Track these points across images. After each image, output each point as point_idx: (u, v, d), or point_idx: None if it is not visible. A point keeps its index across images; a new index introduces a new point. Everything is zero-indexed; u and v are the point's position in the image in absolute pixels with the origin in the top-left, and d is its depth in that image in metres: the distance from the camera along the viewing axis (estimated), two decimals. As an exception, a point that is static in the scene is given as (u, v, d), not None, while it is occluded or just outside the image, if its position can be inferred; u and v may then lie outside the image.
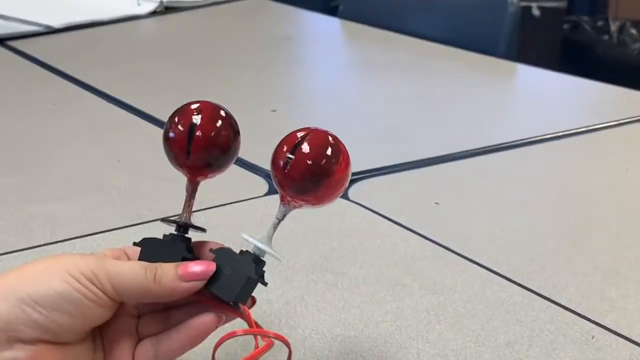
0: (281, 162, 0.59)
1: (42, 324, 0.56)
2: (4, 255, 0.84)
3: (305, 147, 0.58)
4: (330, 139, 0.60)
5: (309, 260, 0.85)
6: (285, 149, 0.59)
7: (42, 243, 0.87)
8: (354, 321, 0.75)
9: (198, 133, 0.60)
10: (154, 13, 1.93)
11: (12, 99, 1.36)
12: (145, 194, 1.00)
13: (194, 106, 0.61)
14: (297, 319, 0.75)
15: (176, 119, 0.61)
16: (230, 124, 0.62)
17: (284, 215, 0.61)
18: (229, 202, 0.97)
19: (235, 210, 0.96)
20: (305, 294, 0.79)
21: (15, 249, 0.86)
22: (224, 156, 0.62)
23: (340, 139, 0.60)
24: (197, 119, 0.61)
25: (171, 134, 0.61)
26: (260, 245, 0.60)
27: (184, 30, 1.88)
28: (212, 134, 0.61)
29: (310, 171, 0.58)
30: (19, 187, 1.01)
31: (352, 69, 1.70)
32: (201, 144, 0.60)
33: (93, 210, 0.95)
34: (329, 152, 0.59)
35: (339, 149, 0.59)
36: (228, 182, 1.00)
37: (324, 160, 0.59)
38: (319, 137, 0.59)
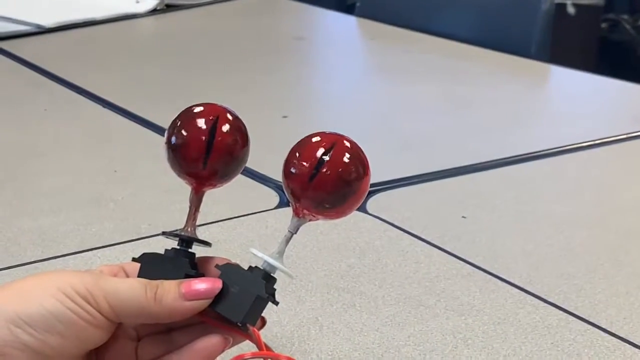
0: (301, 172, 0.58)
1: (32, 347, 0.56)
2: (-7, 273, 0.85)
3: (335, 159, 0.58)
4: (357, 149, 0.59)
5: (324, 279, 0.85)
6: (305, 158, 0.58)
7: (32, 260, 0.87)
8: (373, 345, 0.74)
9: (216, 139, 0.60)
10: (153, 11, 1.93)
11: (2, 104, 1.37)
12: (144, 207, 1.00)
13: (206, 110, 0.61)
14: (310, 342, 0.75)
15: (189, 125, 0.61)
16: (242, 131, 0.62)
17: (297, 229, 0.61)
18: (237, 215, 0.97)
19: (244, 224, 0.96)
20: (319, 315, 0.79)
21: (4, 267, 0.86)
22: (236, 164, 0.62)
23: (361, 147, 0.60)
24: (215, 125, 0.60)
25: (182, 141, 0.61)
26: (270, 261, 0.60)
27: (186, 29, 1.88)
28: (229, 140, 0.61)
29: (339, 186, 0.58)
30: (7, 200, 1.02)
31: (370, 71, 1.70)
32: (219, 151, 0.60)
33: (88, 224, 0.95)
34: (357, 164, 0.59)
35: (364, 161, 0.59)
36: (236, 193, 1.01)
37: (354, 174, 0.58)
38: (347, 148, 0.59)
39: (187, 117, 0.61)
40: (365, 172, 0.59)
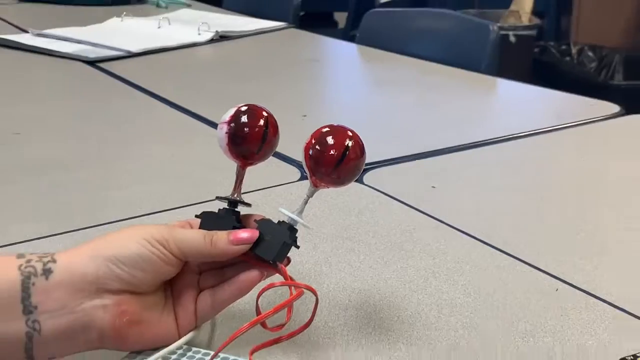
0: (330, 160, 0.59)
1: (124, 278, 0.56)
2: (94, 227, 0.85)
3: (352, 153, 0.59)
4: (361, 142, 0.60)
5: (332, 231, 0.85)
6: (334, 148, 0.59)
7: (119, 219, 0.88)
8: (367, 278, 0.75)
9: (270, 131, 0.61)
10: (211, 41, 1.93)
11: (100, 108, 1.37)
12: (203, 180, 1.00)
13: (257, 110, 0.62)
14: (323, 276, 0.75)
15: (249, 121, 0.61)
16: (275, 125, 0.63)
17: (313, 194, 0.61)
18: (270, 186, 0.98)
19: (275, 192, 0.96)
20: (329, 257, 0.79)
21: (100, 223, 0.87)
22: (273, 149, 0.63)
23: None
24: (267, 122, 0.61)
25: (244, 133, 0.61)
26: (293, 216, 0.60)
27: (234, 53, 1.88)
28: (275, 134, 0.62)
29: (355, 170, 0.59)
30: (104, 176, 1.02)
31: (365, 84, 1.69)
32: (270, 142, 0.61)
33: (163, 193, 0.96)
34: (364, 154, 0.60)
35: (364, 149, 0.60)
36: (269, 170, 1.01)
37: (362, 161, 0.60)
38: (358, 144, 0.60)
39: (244, 114, 0.62)
40: (361, 153, 0.60)
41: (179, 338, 0.60)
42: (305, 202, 0.61)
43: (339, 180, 0.59)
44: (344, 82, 1.71)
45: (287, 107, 1.34)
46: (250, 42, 1.98)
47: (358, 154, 0.59)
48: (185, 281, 0.61)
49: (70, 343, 0.56)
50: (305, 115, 1.30)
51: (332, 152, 0.58)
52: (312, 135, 0.60)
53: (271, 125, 0.62)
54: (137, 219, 0.88)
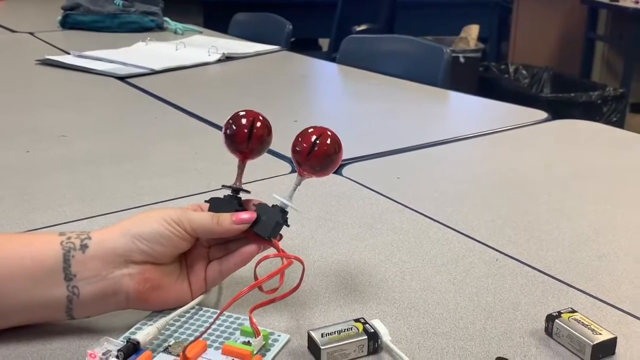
0: (302, 150, 0.58)
1: (146, 252, 0.56)
2: (125, 211, 0.85)
3: (321, 142, 0.58)
4: (333, 135, 0.59)
5: (317, 213, 0.85)
6: (305, 141, 0.58)
7: (147, 203, 0.87)
8: (345, 251, 0.75)
9: (254, 130, 0.60)
10: (219, 60, 1.92)
11: (129, 115, 1.36)
12: (212, 173, 0.99)
13: (247, 113, 0.61)
14: (309, 249, 0.75)
15: (238, 122, 0.60)
16: (268, 126, 0.62)
17: (300, 183, 0.61)
18: (265, 177, 0.97)
19: (269, 182, 0.96)
20: (314, 234, 0.79)
21: (131, 207, 0.86)
22: (265, 145, 0.62)
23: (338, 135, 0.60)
24: (253, 122, 0.60)
25: (234, 131, 0.60)
26: (285, 201, 0.60)
27: (237, 71, 1.86)
28: (261, 131, 0.61)
29: (324, 157, 0.58)
30: (133, 169, 1.01)
31: (344, 95, 1.69)
32: (255, 137, 0.60)
33: (180, 183, 0.95)
34: (333, 145, 0.59)
35: (338, 142, 0.59)
36: (264, 164, 1.00)
37: (332, 151, 0.58)
38: (327, 135, 0.59)
39: (236, 117, 0.61)
40: (339, 149, 0.59)
41: (192, 300, 0.59)
42: (294, 189, 0.61)
43: (314, 168, 0.58)
44: (328, 94, 1.70)
45: (281, 114, 1.33)
46: (251, 61, 1.97)
47: (328, 146, 0.58)
48: (196, 253, 0.61)
49: (103, 304, 0.56)
50: (296, 121, 1.29)
51: (304, 144, 0.58)
52: (298, 135, 0.59)
53: (262, 126, 0.60)
54: (161, 203, 0.88)
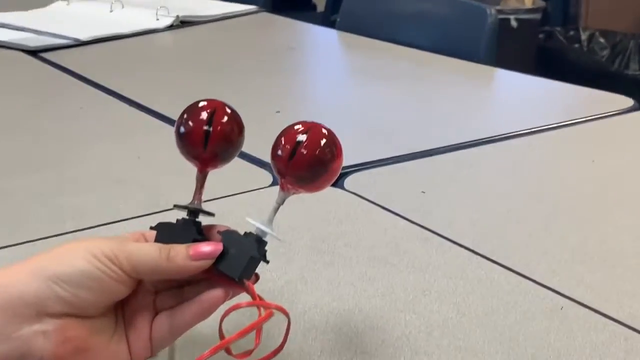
0: (283, 154, 0.58)
1: (67, 300, 0.56)
2: (39, 241, 0.85)
3: (308, 142, 0.58)
4: (327, 133, 0.59)
5: (308, 243, 0.85)
6: (286, 142, 0.58)
7: (69, 231, 0.87)
8: (348, 296, 0.75)
9: (214, 128, 0.60)
10: (170, 27, 1.93)
11: (44, 105, 1.36)
12: (162, 187, 1.00)
13: (207, 104, 0.61)
14: (297, 295, 0.75)
15: (192, 116, 0.61)
16: (238, 121, 0.62)
17: (283, 201, 0.61)
18: (238, 192, 0.97)
19: (243, 199, 0.96)
20: (305, 273, 0.79)
21: (49, 235, 0.86)
22: (233, 149, 0.62)
23: (335, 133, 0.60)
24: (212, 116, 0.60)
25: (187, 129, 0.61)
26: (261, 227, 0.60)
27: (197, 41, 1.87)
28: (226, 129, 0.61)
29: (311, 164, 0.58)
30: (52, 181, 1.02)
31: (348, 75, 1.70)
32: (216, 138, 0.60)
33: (116, 201, 0.95)
34: (327, 146, 0.58)
35: (335, 143, 0.59)
36: (237, 175, 1.01)
37: (323, 155, 0.58)
38: (318, 132, 0.59)
39: (191, 110, 0.61)
40: (337, 152, 0.59)
41: (132, 367, 0.59)
42: (276, 210, 0.61)
43: (301, 179, 0.58)
44: (323, 73, 1.71)
45: (258, 102, 1.34)
46: (216, 28, 1.98)
47: (320, 148, 0.58)
48: (139, 302, 0.60)
49: (6, 375, 0.56)
50: (278, 112, 1.30)
51: (287, 146, 0.58)
52: (279, 133, 0.60)
53: (228, 122, 0.60)
54: (89, 230, 0.88)
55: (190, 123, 0.61)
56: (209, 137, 0.60)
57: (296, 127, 0.59)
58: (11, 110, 1.32)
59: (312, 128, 0.59)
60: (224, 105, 0.62)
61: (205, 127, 0.60)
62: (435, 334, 0.69)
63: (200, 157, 0.61)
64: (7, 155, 1.10)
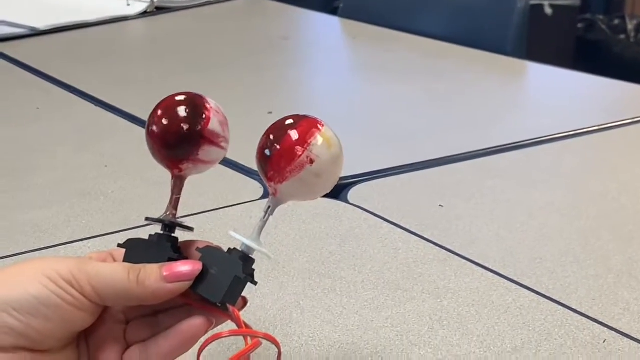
0: (265, 150, 0.58)
1: (18, 330, 0.55)
2: (-12, 262, 0.85)
3: (292, 134, 0.58)
4: (329, 134, 0.59)
5: (305, 265, 0.85)
6: (277, 141, 0.58)
7: (25, 250, 0.87)
8: (352, 327, 0.75)
9: (192, 126, 0.59)
10: (144, 13, 1.93)
11: (-5, 104, 1.37)
12: (133, 199, 1.00)
13: (185, 98, 0.61)
14: (292, 325, 0.75)
15: (167, 112, 0.60)
16: (223, 117, 0.61)
17: (273, 210, 0.60)
18: (224, 205, 0.97)
19: (230, 214, 0.96)
20: (301, 300, 0.79)
21: (1, 256, 0.86)
22: (216, 151, 0.61)
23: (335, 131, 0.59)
24: (192, 112, 0.60)
25: (160, 128, 0.60)
26: (247, 242, 0.59)
27: (175, 31, 1.88)
28: (207, 127, 0.60)
29: (286, 165, 0.57)
30: (2, 194, 1.02)
31: (352, 69, 1.70)
32: (196, 137, 0.59)
33: (79, 216, 0.95)
34: (329, 151, 0.58)
35: (336, 144, 0.59)
36: (223, 185, 1.01)
37: (307, 147, 0.57)
38: (308, 123, 0.58)
39: (165, 104, 0.61)
40: (326, 152, 0.58)
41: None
42: (264, 222, 0.60)
43: (282, 181, 0.58)
44: (323, 67, 1.71)
45: (248, 101, 1.34)
46: (197, 15, 1.98)
47: (297, 141, 0.57)
48: (105, 333, 0.60)
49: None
50: (271, 112, 1.30)
51: (276, 144, 0.57)
52: (266, 129, 0.59)
53: (203, 116, 0.60)
54: (47, 250, 0.88)
55: (164, 121, 0.60)
56: (187, 137, 0.60)
57: (287, 122, 0.59)
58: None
59: (303, 122, 0.58)
60: (204, 98, 0.61)
61: (183, 125, 0.60)
62: (455, 371, 0.69)
63: (176, 159, 0.61)
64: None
